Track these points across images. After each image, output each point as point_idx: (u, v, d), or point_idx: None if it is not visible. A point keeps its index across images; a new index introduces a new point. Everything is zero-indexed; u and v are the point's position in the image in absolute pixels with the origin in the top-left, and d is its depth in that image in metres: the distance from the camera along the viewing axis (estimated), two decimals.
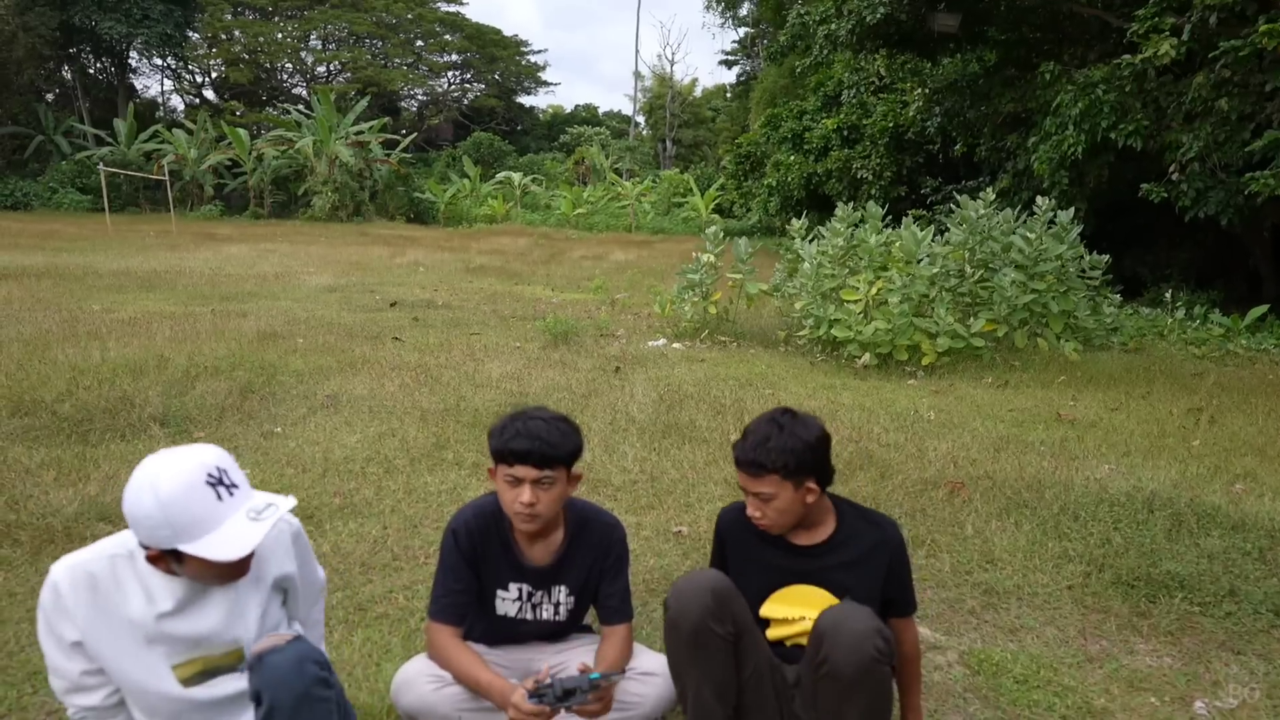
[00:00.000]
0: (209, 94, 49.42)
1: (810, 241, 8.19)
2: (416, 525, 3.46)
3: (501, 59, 54.85)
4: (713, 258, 8.03)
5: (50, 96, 39.41)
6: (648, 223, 34.62)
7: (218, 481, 1.65)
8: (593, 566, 2.25)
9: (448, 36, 53.06)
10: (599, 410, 5.15)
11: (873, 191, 20.02)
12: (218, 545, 1.61)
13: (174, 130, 35.28)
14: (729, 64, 49.99)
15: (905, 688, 2.21)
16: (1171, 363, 7.39)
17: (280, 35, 48.41)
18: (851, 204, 20.12)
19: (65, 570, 1.69)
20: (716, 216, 34.13)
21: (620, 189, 38.34)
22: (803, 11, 28.95)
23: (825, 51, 17.65)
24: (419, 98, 54.83)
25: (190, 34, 40.95)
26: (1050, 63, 13.25)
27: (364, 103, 36.29)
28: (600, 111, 65.55)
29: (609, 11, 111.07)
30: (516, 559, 2.21)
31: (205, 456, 1.67)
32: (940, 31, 14.74)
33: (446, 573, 2.19)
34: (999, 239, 7.41)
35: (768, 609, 2.18)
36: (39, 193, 30.62)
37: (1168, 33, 9.15)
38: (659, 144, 54.20)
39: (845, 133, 22.19)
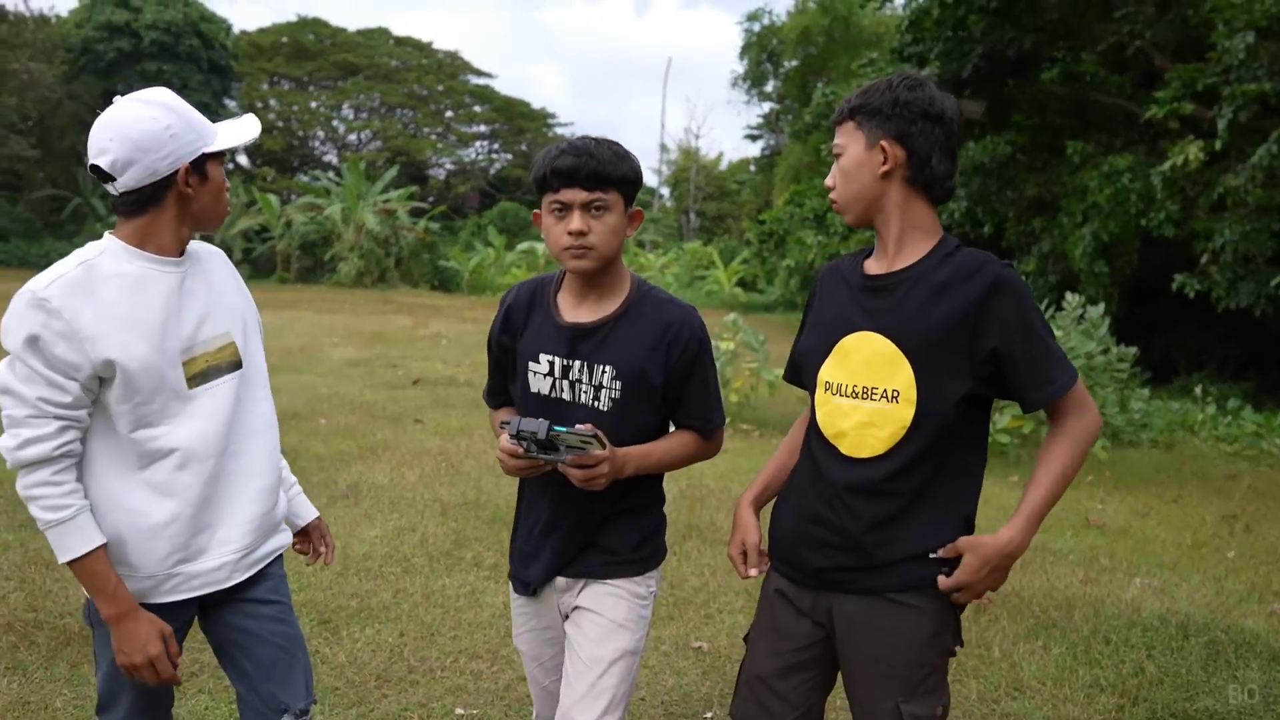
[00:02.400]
0: (242, 160, 50.68)
1: None
2: (433, 634, 3.41)
3: (529, 130, 56.05)
4: (732, 345, 8.04)
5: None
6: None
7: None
8: (654, 352, 1.82)
9: (477, 108, 54.37)
10: None
11: None
12: (235, 130, 1.74)
13: None
14: (753, 138, 50.75)
15: (1037, 479, 1.60)
16: (1203, 462, 7.28)
17: (314, 104, 49.82)
18: None
19: (45, 287, 1.55)
20: (739, 291, 34.35)
21: (643, 260, 38.74)
22: (827, 91, 29.59)
23: None
24: (447, 167, 55.96)
25: (227, 102, 42.19)
26: (1078, 143, 13.34)
27: (393, 171, 37.11)
28: None
29: (636, 85, 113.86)
30: (554, 318, 1.87)
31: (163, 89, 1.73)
32: (966, 117, 14.93)
33: (489, 347, 1.99)
34: None
35: (825, 369, 1.73)
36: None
37: (1193, 136, 9.20)
38: (683, 216, 54.84)
39: None
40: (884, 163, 1.62)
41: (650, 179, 69.19)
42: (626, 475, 1.79)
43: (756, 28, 37.17)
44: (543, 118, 56.89)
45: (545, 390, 1.86)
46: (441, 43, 60.58)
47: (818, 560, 1.72)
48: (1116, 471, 6.74)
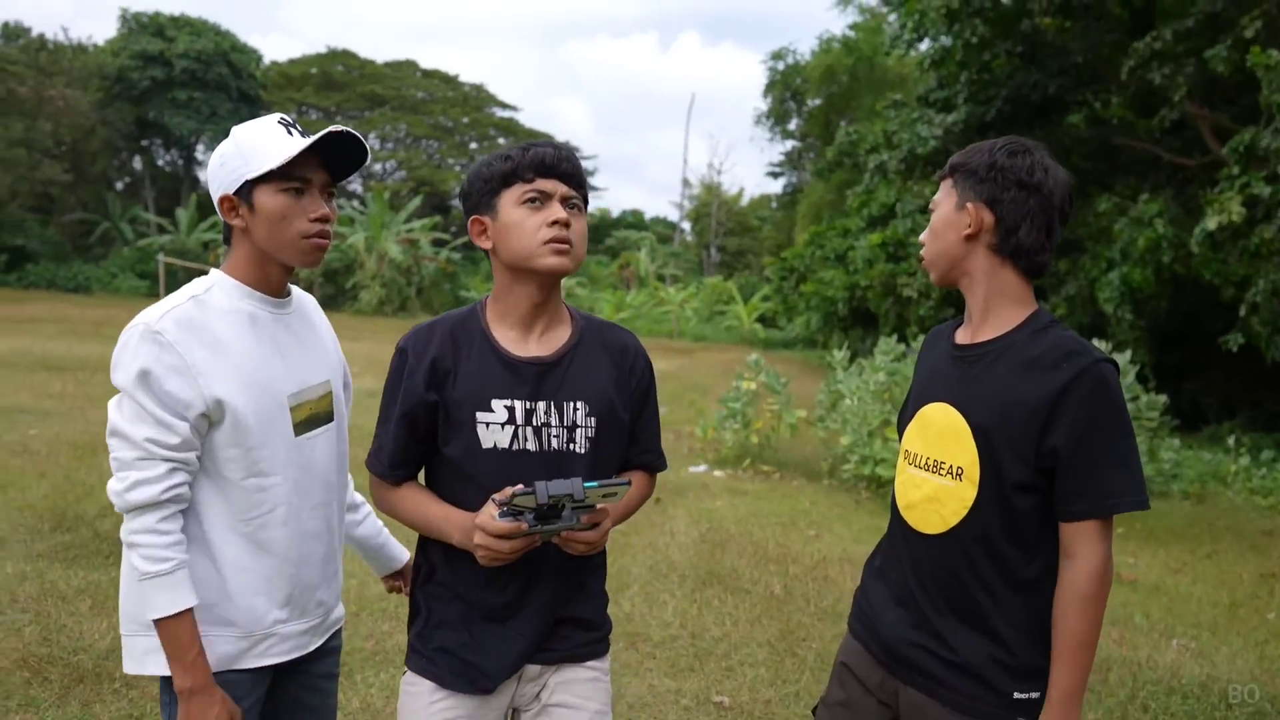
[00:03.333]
0: None
1: (852, 370, 8.12)
2: None
3: None
4: (753, 385, 7.98)
5: (120, 186, 41.15)
6: (690, 329, 34.85)
7: (290, 124, 1.59)
8: (619, 383, 1.63)
9: (501, 140, 54.95)
10: (640, 551, 5.02)
11: (920, 312, 19.93)
12: (272, 149, 1.54)
13: None
14: (775, 175, 50.99)
15: (1055, 651, 1.47)
16: (1237, 516, 7.11)
17: None
18: (897, 326, 20.10)
19: (158, 319, 1.48)
20: (759, 327, 34.31)
21: (663, 294, 38.79)
22: (850, 131, 29.71)
23: (874, 180, 17.91)
24: None
25: None
26: (1107, 195, 13.29)
27: (417, 201, 37.50)
28: (646, 216, 66.98)
29: (660, 120, 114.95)
30: (503, 353, 1.58)
31: (280, 115, 1.63)
32: None
33: (389, 406, 1.62)
34: None
35: (907, 436, 1.68)
36: (100, 277, 31.68)
37: (1235, 191, 9.07)
38: (703, 251, 54.99)
39: (891, 249, 22.24)
40: (968, 225, 1.54)
41: (672, 213, 69.64)
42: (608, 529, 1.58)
43: (781, 66, 37.40)
44: None
45: (505, 443, 1.55)
46: (468, 76, 61.41)
47: (889, 633, 1.64)
48: (1147, 524, 6.58)
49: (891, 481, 5.44)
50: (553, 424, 1.56)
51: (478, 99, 54.79)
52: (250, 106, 39.46)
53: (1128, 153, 14.29)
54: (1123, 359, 7.45)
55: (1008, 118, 14.14)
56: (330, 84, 50.28)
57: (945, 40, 14.32)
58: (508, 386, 1.56)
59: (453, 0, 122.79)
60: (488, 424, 1.55)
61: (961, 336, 1.63)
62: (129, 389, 1.47)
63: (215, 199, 1.58)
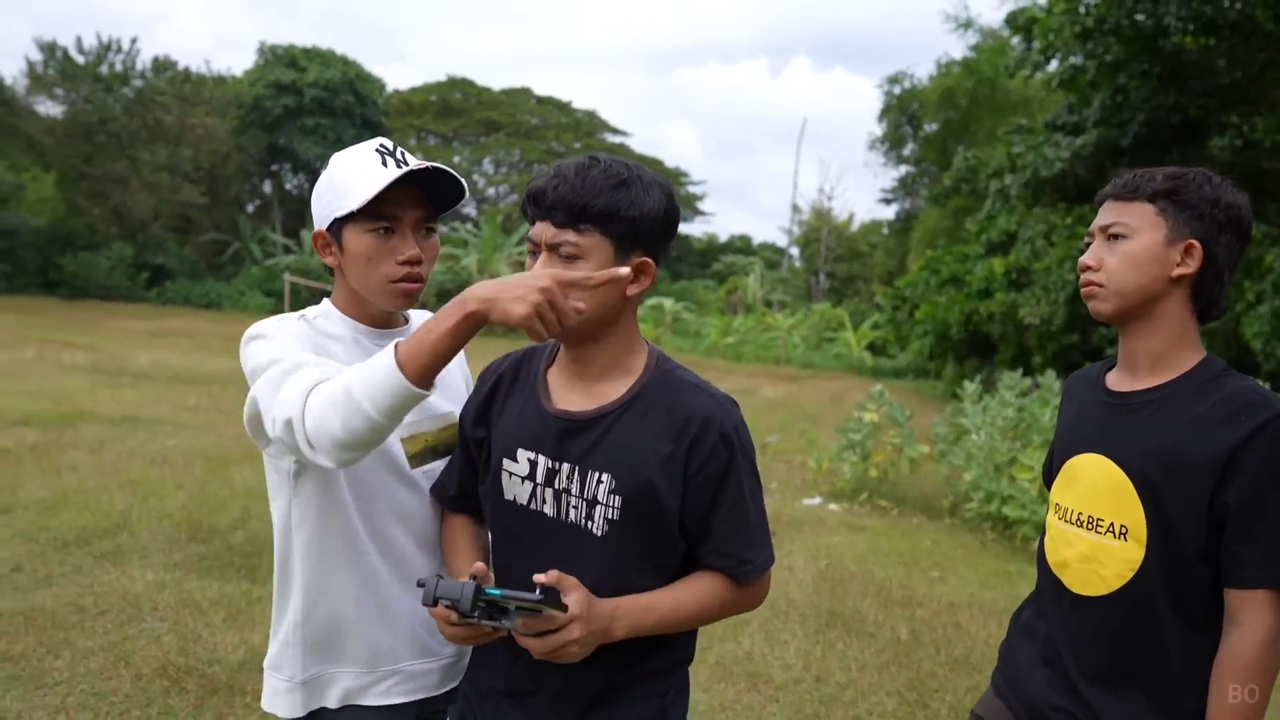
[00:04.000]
0: None
1: (978, 405, 7.80)
2: None
3: None
4: (875, 417, 7.74)
5: (250, 208, 43.47)
6: (797, 356, 34.37)
7: (388, 153, 1.47)
8: (669, 460, 1.30)
9: None
10: None
11: (1040, 340, 19.13)
12: (361, 186, 1.42)
13: None
14: (887, 201, 50.11)
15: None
16: None
17: (457, 159, 52.11)
18: (1017, 355, 19.34)
19: (273, 321, 1.48)
20: (867, 355, 33.61)
21: (771, 320, 38.43)
22: (968, 156, 28.91)
23: (996, 205, 17.34)
24: None
25: None
26: (1255, 224, 12.53)
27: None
28: (754, 242, 66.71)
29: (769, 145, 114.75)
30: (539, 402, 1.39)
31: (381, 139, 1.53)
32: None
33: (460, 432, 1.52)
34: None
35: (1055, 489, 1.55)
36: (229, 294, 33.43)
37: None
38: (812, 277, 54.37)
39: (1014, 275, 21.43)
40: (1180, 264, 1.38)
41: (780, 239, 69.18)
42: (618, 638, 1.29)
43: (897, 90, 36.77)
44: (676, 176, 57.81)
45: (524, 499, 1.39)
46: (580, 102, 62.63)
47: (1034, 694, 1.50)
48: None
49: (1020, 523, 5.07)
50: (573, 491, 1.35)
51: (589, 125, 55.76)
52: (373, 132, 41.12)
53: (1276, 179, 13.42)
54: None
55: (1144, 141, 13.48)
56: (448, 110, 52.05)
57: (1076, 59, 13.76)
58: (536, 438, 1.37)
59: (566, 28, 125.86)
60: (510, 474, 1.39)
61: (1117, 382, 1.48)
62: (251, 350, 1.43)
63: (313, 233, 1.53)
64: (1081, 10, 12.28)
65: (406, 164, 1.45)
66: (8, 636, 3.34)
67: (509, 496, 1.40)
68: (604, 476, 1.32)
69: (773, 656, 3.93)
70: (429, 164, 1.44)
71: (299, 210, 43.81)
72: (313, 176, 42.94)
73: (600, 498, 1.32)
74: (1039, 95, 31.13)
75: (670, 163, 57.83)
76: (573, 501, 1.35)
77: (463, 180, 1.50)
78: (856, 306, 41.17)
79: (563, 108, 55.08)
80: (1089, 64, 12.83)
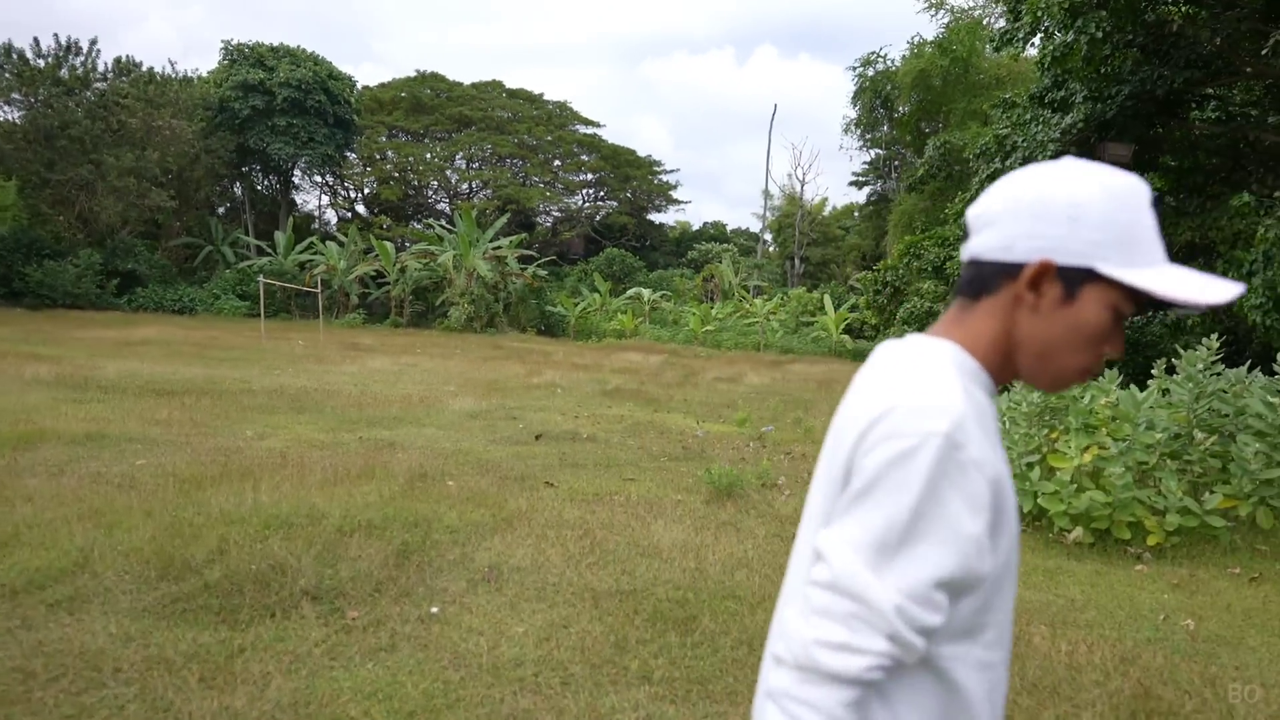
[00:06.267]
0: (360, 209, 52.53)
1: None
2: None
3: (635, 178, 56.51)
4: None
5: (221, 210, 42.57)
6: (776, 341, 34.16)
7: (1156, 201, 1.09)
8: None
9: (584, 157, 55.16)
10: None
11: None
12: (1179, 280, 1.03)
13: (327, 242, 37.48)
14: (860, 185, 49.92)
15: None
16: None
17: (429, 155, 51.33)
18: None
19: (950, 411, 1.01)
20: (846, 338, 33.39)
21: (749, 306, 38.14)
22: (941, 141, 28.64)
23: (986, 187, 17.11)
24: (554, 214, 56.81)
25: (348, 154, 43.87)
26: (1241, 194, 12.31)
27: (503, 219, 37.74)
28: (728, 228, 66.36)
29: (738, 133, 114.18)
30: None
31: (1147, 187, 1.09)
32: (1112, 162, 14.07)
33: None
34: (1229, 401, 6.46)
35: None
36: (203, 299, 32.65)
37: None
38: (787, 262, 54.14)
39: None
40: None
41: (754, 225, 68.89)
42: None
43: (870, 72, 36.44)
44: (648, 165, 57.29)
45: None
46: (551, 95, 61.90)
47: None
48: None
49: (1053, 515, 4.72)
50: None
51: (561, 117, 55.13)
52: (345, 131, 40.44)
53: (1261, 147, 13.19)
54: None
55: (1130, 115, 13.21)
56: (420, 107, 51.25)
57: (1061, 36, 13.44)
58: None
59: (535, 25, 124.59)
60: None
61: None
62: (894, 488, 1.00)
63: (1018, 249, 1.08)
64: None
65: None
66: None
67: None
68: None
69: None
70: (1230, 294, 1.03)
71: (271, 212, 42.96)
72: (284, 177, 42.17)
73: None
74: (1013, 74, 30.96)
75: (642, 153, 57.32)
76: None
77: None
78: (833, 290, 40.96)
79: (534, 101, 54.35)
80: (1080, 40, 12.50)
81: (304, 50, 38.78)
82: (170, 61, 47.46)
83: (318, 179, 47.17)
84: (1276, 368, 6.65)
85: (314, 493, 5.75)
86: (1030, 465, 6.36)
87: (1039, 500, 6.10)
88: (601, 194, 58.31)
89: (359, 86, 43.38)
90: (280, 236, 37.57)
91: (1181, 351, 6.81)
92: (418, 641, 3.69)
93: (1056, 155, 13.76)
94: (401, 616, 3.92)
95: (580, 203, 57.72)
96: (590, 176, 56.78)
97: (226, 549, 4.39)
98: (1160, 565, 5.65)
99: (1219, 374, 6.62)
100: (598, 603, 4.20)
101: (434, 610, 4.02)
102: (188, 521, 4.83)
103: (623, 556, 4.97)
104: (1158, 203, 1.07)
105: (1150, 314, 18.56)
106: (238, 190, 42.37)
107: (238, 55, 37.60)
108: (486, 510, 5.75)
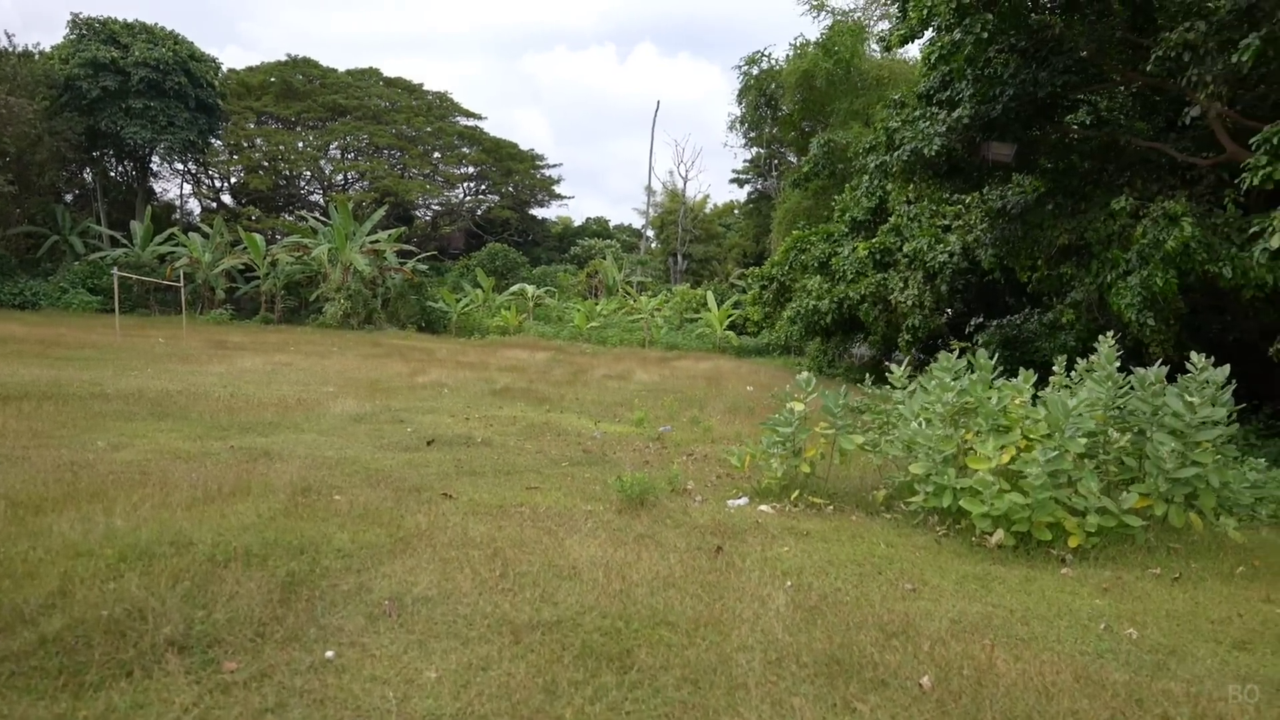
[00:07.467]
0: (226, 199, 49.74)
1: (908, 390, 7.30)
2: None
3: (517, 172, 55.57)
4: (802, 406, 7.10)
5: (69, 198, 39.48)
6: (661, 337, 34.12)
7: None
8: None
9: (465, 149, 53.84)
10: (734, 626, 4.04)
11: (914, 321, 19.26)
12: None
13: (190, 234, 35.25)
14: (741, 182, 50.52)
15: None
16: None
17: (301, 144, 49.04)
18: (885, 335, 19.58)
19: None
20: (731, 334, 33.60)
21: (634, 303, 37.97)
22: (825, 140, 29.10)
23: (874, 181, 17.29)
24: (434, 207, 55.29)
25: (213, 140, 41.37)
26: (1121, 197, 12.74)
27: (381, 212, 36.41)
28: (611, 224, 66.09)
29: (619, 130, 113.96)
30: None
31: None
32: (994, 161, 14.38)
33: None
34: (1148, 400, 6.44)
35: None
36: (48, 292, 30.14)
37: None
38: (669, 258, 54.29)
39: (878, 256, 21.64)
40: None
41: (636, 221, 68.86)
42: None
43: (755, 71, 36.76)
44: (531, 159, 56.43)
45: None
46: (431, 86, 60.21)
47: None
48: (1264, 558, 5.82)
49: (972, 516, 4.54)
50: None
51: (441, 108, 53.71)
52: (208, 116, 38.11)
53: (1130, 151, 13.73)
54: (1218, 375, 6.58)
55: (1013, 115, 13.54)
56: (291, 93, 48.96)
57: (947, 35, 13.64)
58: None
59: (411, 15, 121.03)
60: None
61: None
62: None
63: None
64: None
65: None
66: None
67: None
68: None
69: None
70: None
71: (126, 200, 40.06)
72: (141, 163, 39.38)
73: None
74: (894, 75, 31.73)
75: (524, 146, 56.37)
76: None
77: None
78: (717, 287, 41.27)
79: (413, 90, 52.73)
80: (966, 39, 12.69)
81: (162, 28, 36.28)
82: (7, 34, 43.34)
83: (179, 166, 44.35)
84: (1190, 365, 6.68)
85: (179, 514, 5.00)
86: (946, 464, 6.21)
87: (960, 501, 5.95)
88: (483, 187, 57.11)
89: (224, 70, 40.98)
90: (137, 226, 35.09)
91: (1061, 350, 6.80)
92: (311, 697, 3.12)
93: (942, 150, 13.96)
94: (290, 666, 3.33)
95: (461, 196, 56.37)
96: (471, 169, 55.50)
97: (70, 590, 3.67)
98: (1084, 568, 5.55)
99: (1130, 372, 6.62)
100: (519, 638, 3.70)
101: (329, 655, 3.45)
102: (21, 557, 4.06)
103: (539, 579, 4.48)
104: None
105: (1027, 311, 19.19)
106: (88, 176, 39.36)
107: (87, 30, 34.83)
108: (382, 529, 5.15)
